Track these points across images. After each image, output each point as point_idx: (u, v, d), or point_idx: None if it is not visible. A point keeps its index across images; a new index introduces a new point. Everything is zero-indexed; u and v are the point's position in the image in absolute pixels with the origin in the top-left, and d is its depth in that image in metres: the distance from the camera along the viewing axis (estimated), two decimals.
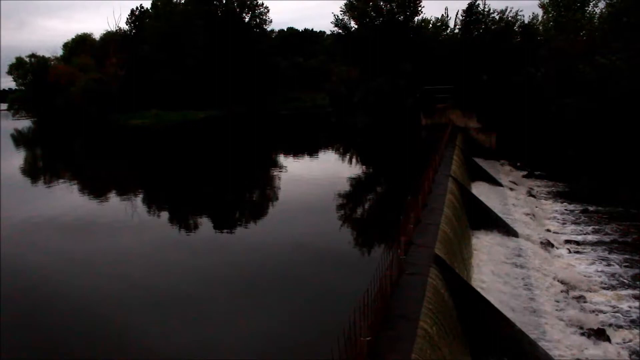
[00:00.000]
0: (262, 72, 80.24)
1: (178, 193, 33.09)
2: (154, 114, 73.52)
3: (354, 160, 48.13)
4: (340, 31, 60.20)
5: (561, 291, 16.17)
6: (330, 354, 6.80)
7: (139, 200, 31.31)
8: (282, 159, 48.69)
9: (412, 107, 47.52)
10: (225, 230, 24.89)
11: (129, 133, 67.29)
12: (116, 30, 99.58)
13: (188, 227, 24.96)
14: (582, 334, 13.44)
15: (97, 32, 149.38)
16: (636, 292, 16.64)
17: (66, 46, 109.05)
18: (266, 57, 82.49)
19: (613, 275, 18.14)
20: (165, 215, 28.04)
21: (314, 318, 13.54)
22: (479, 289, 13.59)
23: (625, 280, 17.65)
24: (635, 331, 14.07)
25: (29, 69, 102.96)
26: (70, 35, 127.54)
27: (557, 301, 15.23)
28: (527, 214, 24.92)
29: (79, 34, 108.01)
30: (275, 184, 35.92)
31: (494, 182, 30.59)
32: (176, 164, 44.46)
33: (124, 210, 27.39)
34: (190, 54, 78.22)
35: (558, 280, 17.05)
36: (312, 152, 51.60)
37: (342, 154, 52.12)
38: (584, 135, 33.28)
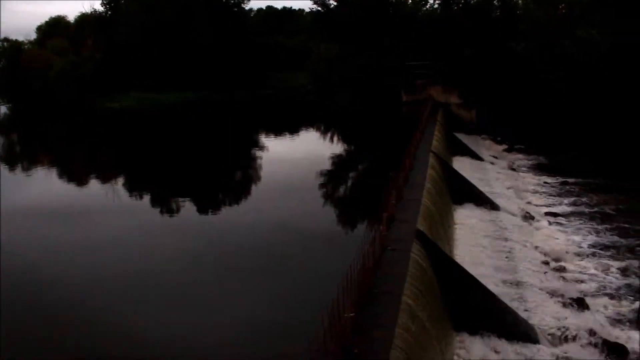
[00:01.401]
0: (242, 52, 79.37)
1: (160, 176, 32.86)
2: (132, 97, 72.56)
3: (335, 138, 48.09)
4: (319, 9, 59.62)
5: (542, 262, 16.41)
6: (315, 332, 6.83)
7: (119, 184, 31.06)
8: (263, 139, 48.50)
9: (393, 84, 47.38)
10: (208, 213, 24.83)
11: (106, 116, 66.50)
12: (91, 12, 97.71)
13: (170, 211, 24.85)
14: (563, 303, 13.66)
15: (72, 15, 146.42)
16: (614, 261, 16.94)
17: (40, 29, 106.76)
18: (245, 37, 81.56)
19: (592, 245, 18.43)
20: (147, 199, 27.88)
21: (299, 297, 13.61)
22: (461, 263, 13.72)
23: (603, 250, 17.94)
24: (611, 299, 14.34)
25: (2, 53, 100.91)
26: (44, 18, 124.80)
27: (538, 272, 15.44)
28: (508, 188, 25.17)
29: (53, 16, 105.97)
30: (258, 165, 35.84)
31: (475, 156, 30.78)
32: (156, 147, 44.07)
33: (105, 195, 27.19)
34: (168, 35, 77.06)
35: (539, 252, 17.30)
36: (294, 131, 51.44)
37: (324, 133, 52.02)
38: (565, 109, 33.49)
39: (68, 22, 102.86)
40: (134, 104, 71.01)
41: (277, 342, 11.34)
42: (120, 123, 62.50)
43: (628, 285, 15.24)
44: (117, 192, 27.85)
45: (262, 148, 42.59)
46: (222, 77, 75.86)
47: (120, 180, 32.14)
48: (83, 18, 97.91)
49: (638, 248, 18.11)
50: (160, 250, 18.27)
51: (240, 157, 39.27)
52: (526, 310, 13.07)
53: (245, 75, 78.14)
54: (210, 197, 27.75)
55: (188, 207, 25.36)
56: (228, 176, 33.21)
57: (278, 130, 52.05)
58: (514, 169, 30.25)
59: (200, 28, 77.15)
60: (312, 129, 54.74)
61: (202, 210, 25.11)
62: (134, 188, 29.86)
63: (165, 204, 26.18)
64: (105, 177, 32.32)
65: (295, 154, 37.97)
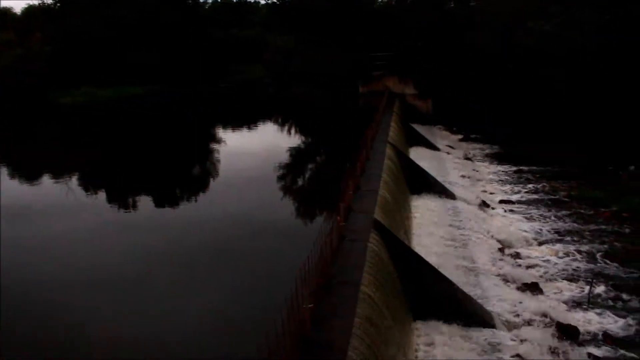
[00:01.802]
0: (198, 45, 78.26)
1: (116, 173, 32.18)
2: (86, 91, 70.73)
3: (293, 130, 47.96)
4: (275, 0, 59.44)
5: (497, 249, 16.72)
6: (274, 324, 6.79)
7: (74, 182, 30.29)
8: (221, 132, 48.01)
9: (350, 75, 47.50)
10: (164, 208, 24.47)
11: (58, 112, 64.77)
12: (39, 3, 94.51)
13: (127, 207, 24.38)
14: (518, 289, 13.98)
15: (18, 6, 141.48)
16: (566, 246, 17.40)
17: None
18: (201, 29, 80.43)
19: (545, 231, 18.87)
20: (102, 195, 27.28)
21: (258, 290, 13.55)
22: (418, 252, 13.87)
23: (556, 235, 18.40)
24: (565, 282, 14.74)
25: None
26: None
27: (494, 259, 15.74)
28: (464, 177, 25.54)
29: None
30: (216, 159, 35.45)
31: (432, 146, 31.11)
32: (110, 144, 43.16)
33: (58, 192, 26.50)
34: (120, 28, 75.34)
35: (494, 239, 17.62)
36: (252, 124, 51.07)
37: (281, 125, 51.84)
38: (519, 99, 34.17)
39: (14, 14, 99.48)
40: (88, 99, 69.32)
41: (236, 337, 11.28)
42: (73, 119, 60.95)
43: (579, 270, 15.68)
44: (71, 189, 27.16)
45: (220, 141, 42.14)
46: (177, 70, 74.65)
47: (76, 179, 31.35)
48: (30, 10, 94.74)
49: (588, 233, 18.66)
50: (117, 248, 17.91)
51: (197, 151, 38.79)
52: (483, 296, 13.31)
53: (201, 69, 77.11)
54: (168, 193, 27.31)
55: (145, 203, 24.94)
56: (186, 171, 32.78)
57: (236, 123, 51.60)
58: (469, 159, 30.69)
59: (153, 20, 75.67)
60: (270, 122, 54.46)
61: (159, 205, 24.73)
62: (89, 186, 29.17)
63: (122, 200, 25.65)
64: (59, 175, 31.48)
65: (254, 146, 37.70)
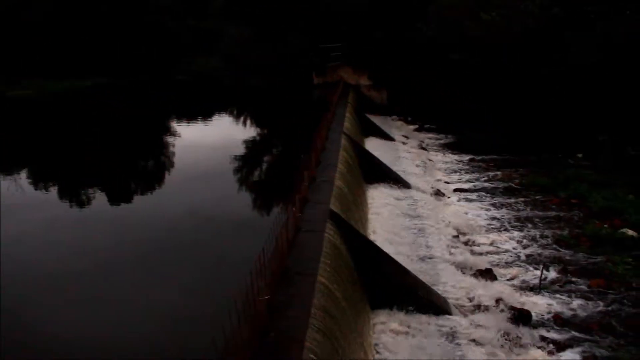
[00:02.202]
0: (152, 35, 76.64)
1: (66, 169, 31.34)
2: (33, 84, 68.59)
3: (248, 122, 47.60)
4: None
5: (453, 237, 16.98)
6: (229, 317, 6.71)
7: (22, 178, 29.39)
8: (175, 125, 47.28)
9: (306, 66, 47.41)
10: (118, 203, 23.93)
11: (5, 105, 62.77)
12: None
13: (79, 203, 23.74)
14: (472, 275, 14.23)
15: None
16: (518, 232, 17.81)
17: None
18: (155, 19, 78.76)
19: (498, 218, 19.29)
20: (52, 192, 26.53)
21: (213, 283, 13.40)
22: (375, 242, 13.98)
23: (509, 222, 18.82)
24: (516, 268, 15.09)
25: None
26: None
27: (449, 246, 15.98)
28: (419, 166, 25.82)
29: None
30: (170, 152, 34.89)
31: (387, 137, 31.33)
32: (59, 138, 42.02)
33: (5, 189, 25.66)
34: (71, 16, 73.07)
35: (449, 227, 17.88)
36: (207, 117, 50.45)
37: (237, 117, 51.39)
38: (471, 88, 34.72)
39: None
40: (36, 91, 67.28)
41: (192, 330, 11.12)
42: (16, 113, 59.15)
43: (531, 255, 16.08)
44: (19, 185, 26.34)
45: (174, 134, 41.49)
46: (130, 62, 73.05)
47: (24, 175, 30.41)
48: None
49: (539, 219, 19.14)
50: (68, 245, 17.44)
51: (150, 144, 38.08)
52: (439, 284, 13.51)
53: (155, 60, 75.63)
54: (121, 188, 26.74)
55: (97, 199, 24.31)
56: (139, 165, 32.16)
57: (191, 115, 50.88)
58: (424, 148, 31.05)
59: (103, 9, 73.65)
60: (226, 114, 53.90)
61: (113, 201, 24.15)
62: (39, 182, 28.34)
63: (73, 197, 24.98)
64: (9, 172, 30.50)
65: (209, 139, 37.22)
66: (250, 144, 35.27)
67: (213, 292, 12.81)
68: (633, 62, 27.53)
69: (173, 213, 20.39)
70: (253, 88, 56.84)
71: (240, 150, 32.43)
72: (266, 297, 7.69)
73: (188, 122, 48.00)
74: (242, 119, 50.16)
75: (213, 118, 50.47)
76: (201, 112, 52.43)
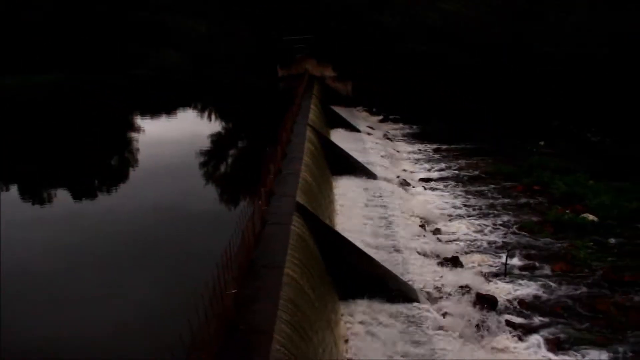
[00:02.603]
0: (109, 29, 75.04)
1: (28, 167, 30.64)
2: None
3: (214, 116, 47.19)
4: None
5: (419, 226, 17.12)
6: (196, 312, 6.64)
7: None
8: (139, 121, 46.60)
9: (269, 59, 47.14)
10: (83, 201, 23.52)
11: None
12: None
13: (43, 202, 23.26)
14: (439, 263, 14.38)
15: None
16: (483, 219, 18.06)
17: None
18: (113, 13, 77.12)
19: (463, 206, 19.52)
20: (14, 190, 25.93)
21: (180, 278, 13.24)
22: (342, 233, 13.99)
23: (474, 210, 19.07)
24: (482, 255, 15.30)
25: None
26: None
27: (416, 235, 16.09)
28: (385, 157, 25.95)
29: None
30: (134, 148, 34.38)
31: (352, 128, 31.39)
32: (17, 135, 41.04)
33: None
34: (26, 9, 71.03)
35: (416, 217, 18.02)
36: (171, 111, 49.85)
37: (201, 111, 50.90)
38: (434, 80, 35.01)
39: None
40: None
41: (159, 327, 10.99)
42: None
43: (496, 242, 16.31)
44: None
45: (138, 130, 40.89)
46: (87, 57, 71.39)
47: None
48: None
49: (502, 207, 19.44)
50: (31, 245, 17.07)
51: (115, 141, 37.47)
52: (407, 273, 13.60)
53: (114, 55, 74.07)
54: (85, 185, 26.26)
55: (62, 197, 23.85)
56: (103, 162, 31.58)
57: (154, 110, 50.20)
58: (389, 139, 31.22)
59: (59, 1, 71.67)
60: (189, 108, 53.31)
61: (77, 199, 23.73)
62: None
63: (36, 195, 24.47)
64: None
65: (174, 134, 36.77)
66: (215, 138, 35.01)
67: (180, 288, 12.65)
68: (583, 51, 28.09)
69: (139, 209, 20.12)
70: (215, 82, 56.29)
71: (206, 144, 32.15)
72: (233, 291, 7.63)
73: (152, 117, 47.39)
74: (206, 113, 49.72)
75: (177, 113, 49.92)
76: (164, 107, 51.80)
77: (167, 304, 11.98)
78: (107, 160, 32.17)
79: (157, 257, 15.37)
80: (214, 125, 42.51)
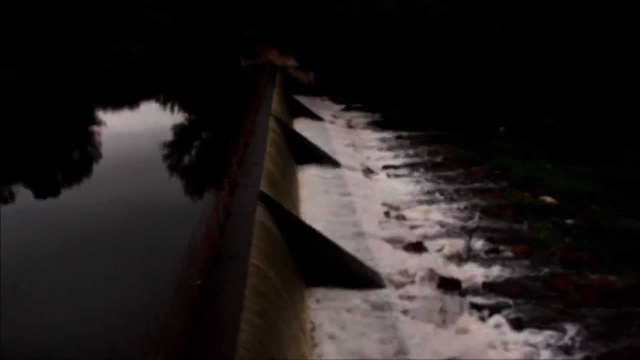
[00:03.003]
0: (67, 22, 73.18)
1: None
2: None
3: (176, 109, 46.63)
4: None
5: (383, 212, 17.27)
6: (162, 305, 6.63)
7: None
8: (100, 114, 45.71)
9: (232, 50, 46.81)
10: (46, 198, 23.06)
11: None
12: None
13: (1, 199, 22.73)
14: (404, 249, 14.55)
15: None
16: (446, 204, 18.33)
17: None
18: (70, 5, 75.14)
19: (426, 192, 19.76)
20: None
21: (145, 272, 13.15)
22: (307, 221, 14.05)
23: (437, 196, 19.33)
24: (445, 239, 15.55)
25: None
26: None
27: (380, 222, 16.24)
28: (348, 145, 26.06)
29: None
30: (95, 142, 33.77)
31: (315, 117, 31.42)
32: None
33: None
34: None
35: (380, 203, 18.18)
36: (133, 104, 49.04)
37: (164, 104, 50.22)
38: (395, 66, 35.23)
39: None
40: None
41: (125, 321, 10.90)
42: None
43: (459, 226, 16.58)
44: None
45: (99, 124, 40.13)
46: (44, 50, 69.60)
47: None
48: None
49: (465, 191, 19.76)
50: None
51: (75, 135, 36.73)
52: (371, 259, 13.73)
53: (73, 48, 72.32)
54: (47, 181, 25.74)
55: (22, 194, 23.33)
56: (63, 157, 30.97)
57: (116, 104, 49.28)
58: (352, 127, 31.34)
59: None
60: (152, 101, 52.51)
61: (38, 195, 23.25)
62: None
63: None
64: None
65: (136, 127, 36.21)
66: (178, 130, 34.64)
67: (146, 282, 12.57)
68: (536, 38, 28.62)
69: (101, 204, 19.81)
70: (179, 75, 55.61)
71: (169, 137, 31.79)
72: (198, 282, 7.63)
73: (114, 110, 46.55)
74: (169, 106, 49.09)
75: (139, 106, 49.16)
76: (126, 100, 50.95)
77: (133, 299, 11.87)
78: (69, 155, 31.57)
79: (122, 252, 15.20)
80: (177, 118, 42.02)
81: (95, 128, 38.17)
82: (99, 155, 29.92)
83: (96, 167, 27.23)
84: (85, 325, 11.38)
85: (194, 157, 29.24)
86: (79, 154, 32.02)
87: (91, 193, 22.07)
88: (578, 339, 10.85)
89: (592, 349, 10.56)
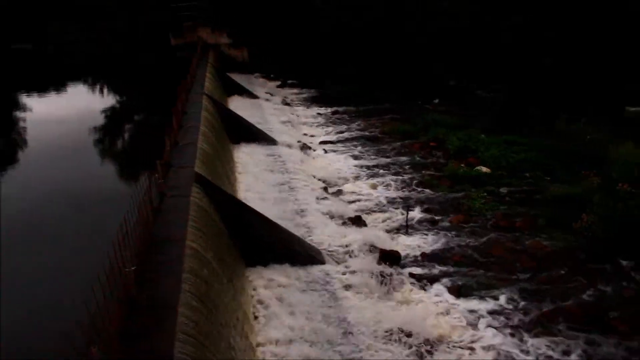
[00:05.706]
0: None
1: None
2: None
3: (106, 91, 45.12)
4: None
5: (321, 188, 17.24)
6: (94, 292, 6.33)
7: None
8: (24, 99, 43.69)
9: (162, 28, 45.28)
10: None
11: None
12: None
13: None
14: (343, 224, 14.58)
15: None
16: (383, 178, 18.48)
17: None
18: None
19: (364, 166, 19.87)
20: None
21: (77, 260, 12.71)
22: (245, 200, 13.85)
23: (374, 170, 19.47)
24: (384, 213, 15.70)
25: None
26: None
27: (319, 198, 16.20)
28: (284, 122, 25.85)
29: None
30: (21, 128, 32.30)
31: (250, 95, 30.99)
32: None
33: None
34: None
35: (318, 179, 18.15)
36: (60, 88, 47.07)
37: (93, 86, 48.50)
38: (331, 42, 35.04)
39: None
40: None
41: (56, 318, 10.50)
42: None
43: (397, 199, 16.76)
44: None
45: (24, 109, 38.38)
46: None
47: None
48: None
49: (401, 165, 19.99)
50: None
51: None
52: (312, 235, 13.71)
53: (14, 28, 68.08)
54: None
55: None
56: None
57: (42, 88, 47.18)
58: (288, 104, 31.12)
59: None
60: (82, 84, 50.58)
61: None
62: None
63: None
64: None
65: (65, 112, 34.81)
66: (109, 113, 33.60)
67: (77, 271, 12.14)
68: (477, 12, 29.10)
69: (31, 192, 19.06)
70: (111, 55, 53.68)
71: (100, 121, 30.80)
72: (133, 268, 7.35)
73: (39, 95, 44.58)
74: (99, 88, 47.43)
75: (67, 90, 47.24)
76: (53, 83, 48.88)
77: (64, 289, 11.46)
78: None
79: (52, 238, 14.68)
80: (108, 101, 40.69)
81: (20, 113, 36.57)
82: (24, 142, 28.68)
83: (22, 155, 26.11)
84: (12, 313, 10.90)
85: (127, 140, 28.46)
86: (2, 142, 30.60)
87: (18, 183, 21.18)
88: (513, 302, 11.20)
89: (525, 311, 10.91)
